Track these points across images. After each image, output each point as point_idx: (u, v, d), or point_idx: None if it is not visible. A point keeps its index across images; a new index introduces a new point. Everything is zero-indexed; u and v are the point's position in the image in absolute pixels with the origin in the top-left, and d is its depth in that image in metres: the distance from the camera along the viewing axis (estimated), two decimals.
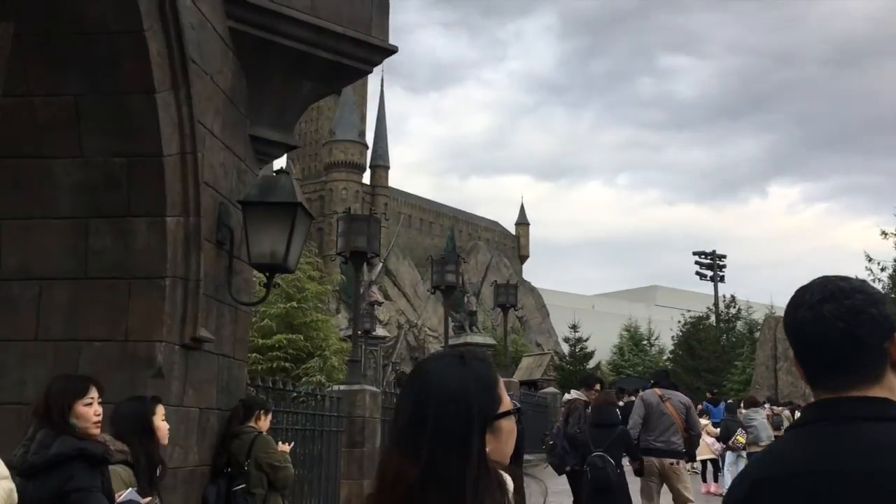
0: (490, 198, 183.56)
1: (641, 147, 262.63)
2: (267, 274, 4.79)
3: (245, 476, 4.71)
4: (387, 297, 69.16)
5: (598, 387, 8.25)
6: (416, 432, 1.21)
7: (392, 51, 5.55)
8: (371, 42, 5.44)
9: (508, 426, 1.27)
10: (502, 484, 1.25)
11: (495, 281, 20.70)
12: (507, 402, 1.29)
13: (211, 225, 4.67)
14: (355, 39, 5.35)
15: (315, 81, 5.47)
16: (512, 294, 15.77)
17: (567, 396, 8.86)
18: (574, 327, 34.86)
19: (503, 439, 1.26)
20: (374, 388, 8.80)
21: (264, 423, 4.94)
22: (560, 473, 8.09)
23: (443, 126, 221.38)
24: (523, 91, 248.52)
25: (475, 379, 1.28)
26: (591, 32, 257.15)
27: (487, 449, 1.22)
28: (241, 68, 5.15)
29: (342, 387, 8.74)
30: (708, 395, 17.41)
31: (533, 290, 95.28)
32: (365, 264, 29.07)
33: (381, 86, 77.20)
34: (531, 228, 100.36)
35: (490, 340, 31.59)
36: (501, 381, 1.34)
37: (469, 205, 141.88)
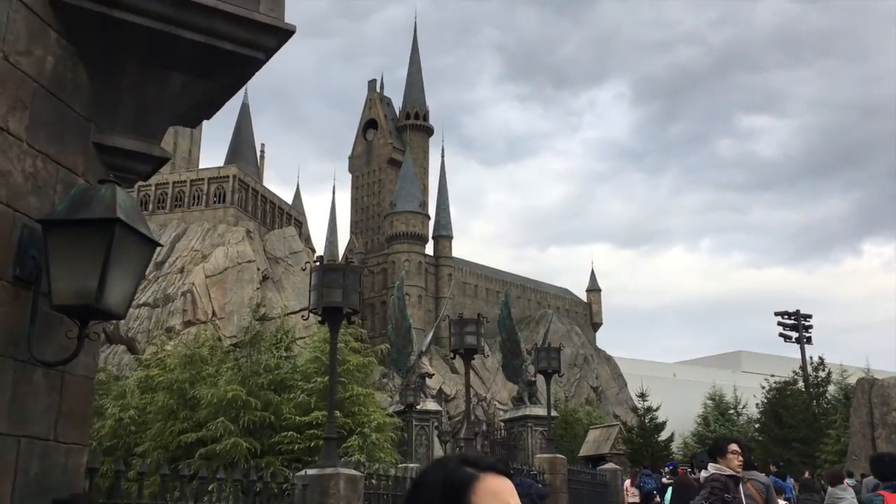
0: (569, 267, 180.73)
1: (724, 209, 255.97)
2: (77, 322, 3.44)
3: None
4: (453, 369, 67.33)
5: (732, 447, 6.24)
6: None
7: (289, 31, 4.26)
8: (256, 19, 4.16)
9: None
10: None
11: (535, 344, 18.97)
12: None
13: (4, 257, 3.38)
14: (233, 16, 4.07)
15: (186, 73, 4.21)
16: (554, 358, 14.07)
17: (705, 473, 6.87)
18: (642, 395, 32.43)
19: None
20: (352, 472, 7.31)
21: None
22: None
23: (520, 197, 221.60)
24: (599, 159, 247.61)
25: (445, 484, 1.38)
26: (665, 97, 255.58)
27: None
28: (78, 56, 3.92)
29: (312, 471, 7.28)
30: (773, 467, 15.17)
31: (609, 360, 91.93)
32: (412, 333, 27.43)
33: (442, 156, 77.25)
34: (605, 295, 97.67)
35: (552, 412, 29.50)
36: (490, 491, 1.37)
37: (548, 276, 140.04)
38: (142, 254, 3.58)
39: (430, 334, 31.15)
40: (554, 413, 30.09)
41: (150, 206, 48.91)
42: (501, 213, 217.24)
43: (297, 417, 21.42)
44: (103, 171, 4.13)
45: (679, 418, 45.15)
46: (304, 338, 25.96)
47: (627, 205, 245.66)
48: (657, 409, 31.35)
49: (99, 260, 3.34)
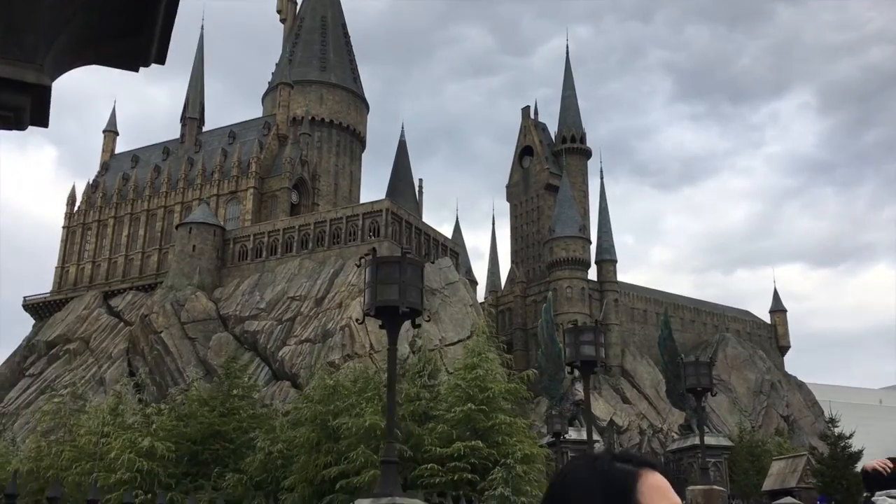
0: (759, 291, 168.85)
1: None
2: None
3: None
4: (625, 399, 64.02)
5: None
6: None
7: None
8: None
9: None
10: None
11: (680, 358, 16.72)
12: None
13: None
14: None
15: None
16: (704, 374, 12.05)
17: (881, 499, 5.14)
18: (832, 421, 28.58)
19: None
20: (411, 501, 6.03)
21: None
22: None
23: (700, 221, 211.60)
24: (785, 174, 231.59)
25: (604, 483, 1.29)
26: (855, 102, 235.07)
27: None
28: None
29: (367, 501, 6.07)
30: None
31: (801, 386, 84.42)
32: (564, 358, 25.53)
33: (601, 178, 74.90)
34: (799, 318, 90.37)
35: (725, 442, 26.58)
36: (655, 488, 1.29)
37: (735, 300, 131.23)
38: None
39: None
40: (728, 442, 27.09)
41: (310, 245, 50.44)
42: (681, 238, 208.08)
43: (439, 449, 20.32)
44: None
45: (887, 448, 40.05)
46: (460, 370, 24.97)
47: (819, 221, 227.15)
48: (850, 436, 27.51)
49: None
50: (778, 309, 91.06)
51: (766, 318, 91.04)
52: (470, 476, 19.97)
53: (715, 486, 12.47)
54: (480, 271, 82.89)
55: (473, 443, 19.84)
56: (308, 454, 20.97)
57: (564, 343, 9.58)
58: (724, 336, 79.43)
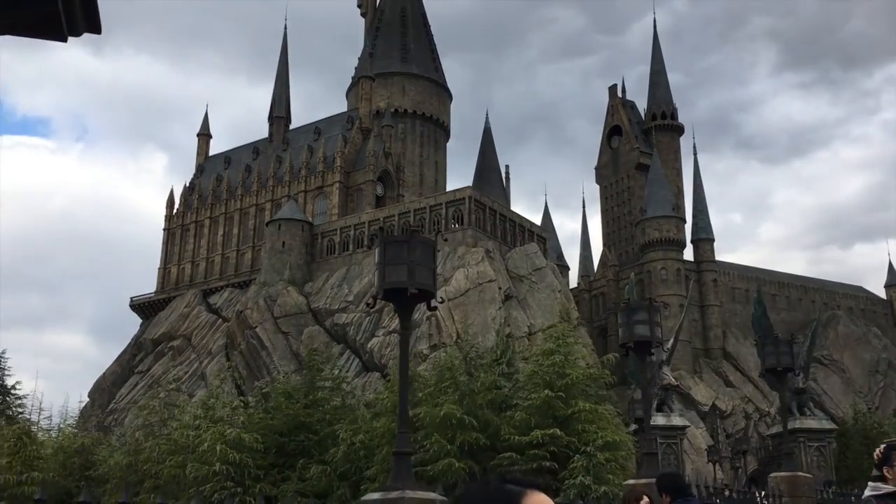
0: (880, 265, 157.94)
1: None
2: None
3: None
4: (728, 383, 61.55)
5: None
6: None
7: None
8: None
9: None
10: None
11: (757, 336, 15.50)
12: None
13: None
14: None
15: None
16: (785, 353, 10.96)
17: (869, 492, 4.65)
18: None
19: None
20: (426, 495, 5.50)
21: None
22: None
23: (812, 195, 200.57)
24: None
25: (493, 502, 1.53)
26: None
27: None
28: None
29: (375, 495, 5.58)
30: None
31: None
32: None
33: (695, 154, 71.97)
34: None
35: (828, 425, 24.92)
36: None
37: (854, 277, 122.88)
38: None
39: (672, 340, 27.91)
40: (831, 425, 25.40)
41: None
42: (793, 214, 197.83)
43: (517, 437, 19.73)
44: None
45: None
46: (538, 357, 24.12)
47: None
48: None
49: None
50: (894, 283, 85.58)
51: (882, 294, 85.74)
52: (548, 464, 19.31)
53: (800, 473, 11.36)
54: (575, 257, 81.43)
55: (552, 430, 19.16)
56: (389, 444, 20.76)
57: (618, 323, 8.83)
58: (834, 314, 75.26)
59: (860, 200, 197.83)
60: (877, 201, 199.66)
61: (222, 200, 65.79)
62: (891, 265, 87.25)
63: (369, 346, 44.53)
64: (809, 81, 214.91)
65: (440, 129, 71.88)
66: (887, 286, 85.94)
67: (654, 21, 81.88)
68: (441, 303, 7.05)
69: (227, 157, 70.27)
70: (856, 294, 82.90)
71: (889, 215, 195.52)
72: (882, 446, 4.35)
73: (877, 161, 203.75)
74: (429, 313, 42.79)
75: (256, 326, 50.57)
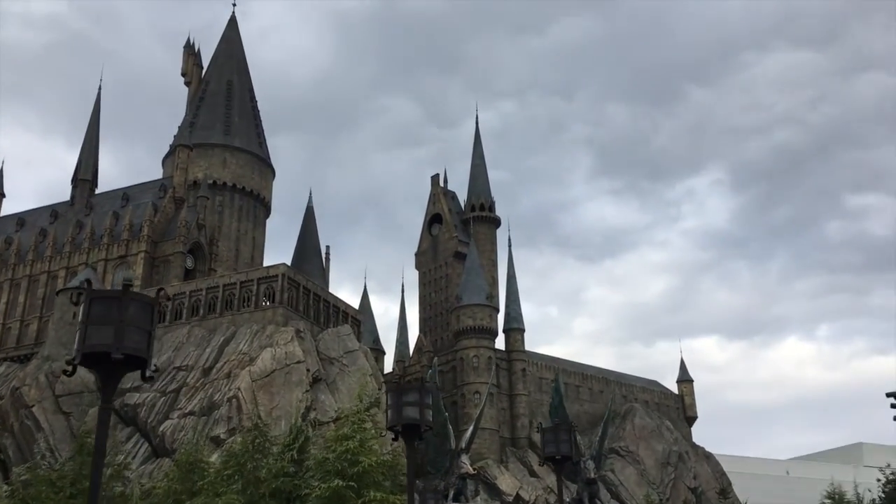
0: (675, 363, 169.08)
1: (841, 293, 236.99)
2: None
3: None
4: (532, 473, 62.42)
5: None
6: None
7: None
8: None
9: None
10: None
11: (538, 424, 15.52)
12: None
13: None
14: None
15: None
16: (564, 441, 10.81)
17: None
18: (723, 493, 27.73)
19: None
20: None
21: None
22: None
23: (622, 293, 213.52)
24: (701, 248, 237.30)
25: None
26: (765, 180, 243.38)
27: None
28: None
29: None
30: None
31: (709, 457, 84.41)
32: (449, 428, 23.95)
33: (509, 246, 74.57)
34: (717, 390, 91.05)
35: None
36: None
37: (655, 373, 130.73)
38: None
39: (470, 430, 27.67)
40: None
41: (202, 311, 47.74)
42: (604, 310, 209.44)
43: None
44: None
45: None
46: (331, 442, 22.81)
47: (734, 294, 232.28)
48: None
49: None
50: (685, 379, 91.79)
51: (675, 389, 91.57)
52: None
53: None
54: (393, 341, 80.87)
55: None
56: None
57: (388, 405, 8.17)
58: (632, 406, 79.16)
59: (662, 301, 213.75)
60: (676, 303, 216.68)
61: (10, 265, 59.89)
62: (682, 362, 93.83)
63: (161, 429, 41.09)
64: (621, 188, 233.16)
65: (260, 205, 70.13)
66: (679, 381, 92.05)
67: (476, 118, 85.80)
68: (155, 371, 6.07)
69: (20, 219, 64.52)
70: (651, 388, 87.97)
71: (687, 316, 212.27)
72: None
73: (677, 265, 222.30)
74: (230, 394, 40.31)
75: (33, 405, 45.44)
